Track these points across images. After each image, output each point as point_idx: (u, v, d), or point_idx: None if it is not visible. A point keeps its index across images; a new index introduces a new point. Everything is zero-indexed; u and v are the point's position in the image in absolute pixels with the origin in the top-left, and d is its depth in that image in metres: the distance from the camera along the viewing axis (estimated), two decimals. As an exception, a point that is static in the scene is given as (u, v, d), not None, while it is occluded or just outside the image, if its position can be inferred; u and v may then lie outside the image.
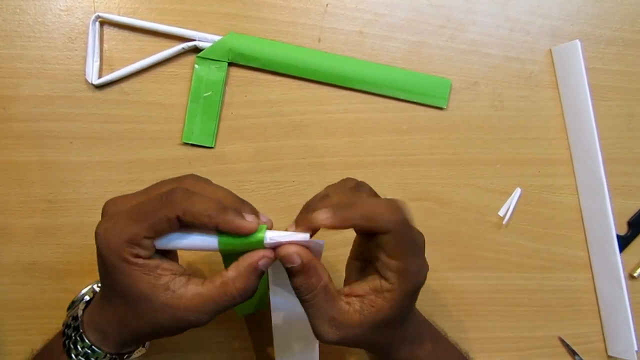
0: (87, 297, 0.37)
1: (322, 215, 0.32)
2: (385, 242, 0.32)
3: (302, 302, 0.33)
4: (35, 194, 0.46)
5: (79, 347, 0.34)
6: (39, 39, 0.46)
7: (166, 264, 0.32)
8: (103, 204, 0.46)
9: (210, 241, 0.32)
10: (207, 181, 0.34)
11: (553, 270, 0.51)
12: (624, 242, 0.51)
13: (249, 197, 0.47)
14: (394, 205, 0.33)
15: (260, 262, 0.32)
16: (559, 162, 0.51)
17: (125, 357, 0.36)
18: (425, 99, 0.49)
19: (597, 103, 0.49)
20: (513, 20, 0.50)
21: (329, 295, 0.33)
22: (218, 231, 0.32)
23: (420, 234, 0.34)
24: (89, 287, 0.41)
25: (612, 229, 0.48)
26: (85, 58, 0.45)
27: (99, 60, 0.46)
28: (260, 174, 0.48)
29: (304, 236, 0.32)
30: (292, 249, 0.32)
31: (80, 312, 0.35)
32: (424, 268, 0.34)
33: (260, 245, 0.32)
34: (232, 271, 0.32)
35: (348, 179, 0.37)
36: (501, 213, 0.50)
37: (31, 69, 0.45)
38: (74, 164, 0.46)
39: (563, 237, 0.51)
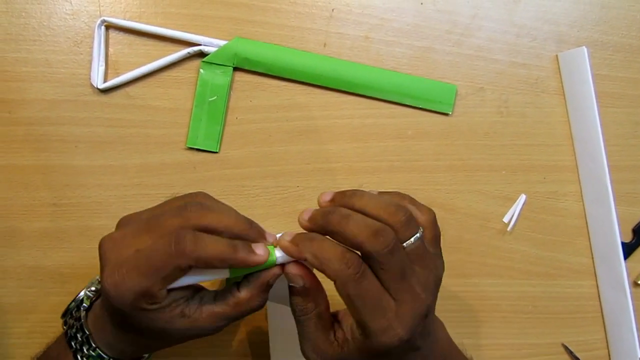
0: (85, 305, 0.37)
1: (286, 237, 0.32)
2: (339, 291, 0.30)
3: (295, 318, 0.34)
4: (40, 198, 0.46)
5: (85, 349, 0.34)
6: (45, 42, 0.45)
7: (177, 294, 0.32)
8: (108, 207, 0.47)
9: (221, 273, 0.32)
10: (208, 208, 0.32)
11: (557, 277, 0.51)
12: (628, 250, 0.51)
13: (253, 201, 0.48)
14: (348, 256, 0.30)
15: (271, 280, 0.33)
16: (564, 168, 0.51)
17: None
18: (430, 104, 0.49)
19: (603, 110, 0.49)
20: (519, 26, 0.50)
21: (319, 324, 0.33)
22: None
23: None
24: (82, 292, 0.40)
25: (617, 236, 0.48)
26: (90, 62, 0.45)
27: (104, 64, 0.46)
28: (265, 179, 0.48)
29: None
30: (297, 271, 0.32)
31: (82, 315, 0.36)
32: (391, 329, 0.30)
33: (271, 265, 0.32)
34: (245, 292, 0.33)
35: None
36: (506, 219, 0.50)
37: (36, 73, 0.45)
38: (78, 168, 0.46)
39: (568, 244, 0.51)
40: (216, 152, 0.47)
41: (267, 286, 0.33)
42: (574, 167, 0.51)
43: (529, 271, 0.50)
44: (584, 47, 0.48)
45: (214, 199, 0.34)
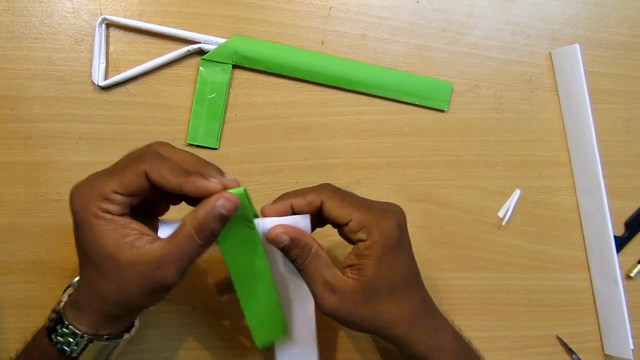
0: (71, 288, 0.37)
1: (270, 205, 0.36)
2: (329, 211, 0.35)
3: (300, 272, 0.36)
4: (42, 194, 0.46)
5: (58, 328, 0.34)
6: (46, 40, 0.46)
7: (135, 224, 0.33)
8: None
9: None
10: (172, 146, 0.35)
11: (551, 270, 0.52)
12: (621, 243, 0.52)
13: (252, 197, 0.48)
14: (319, 186, 0.37)
15: (219, 203, 0.32)
16: (558, 164, 0.52)
17: (105, 338, 0.35)
18: (427, 101, 0.50)
19: (595, 106, 0.50)
20: (514, 24, 0.51)
21: (321, 261, 0.35)
22: (182, 193, 0.32)
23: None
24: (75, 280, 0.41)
25: (610, 230, 0.49)
26: (91, 60, 0.46)
27: (105, 62, 0.46)
28: (264, 175, 0.49)
29: (288, 218, 0.36)
30: (277, 230, 0.35)
31: (64, 298, 0.36)
32: (388, 216, 0.35)
33: (253, 230, 0.36)
34: (189, 220, 0.32)
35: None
36: (500, 214, 0.51)
37: (38, 71, 0.46)
38: (80, 165, 0.47)
39: (561, 238, 0.52)
40: (216, 149, 0.48)
41: (216, 214, 0.32)
42: (567, 162, 0.52)
43: (523, 265, 0.51)
44: (576, 44, 0.49)
45: (169, 144, 0.35)
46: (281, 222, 0.36)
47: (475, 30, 0.50)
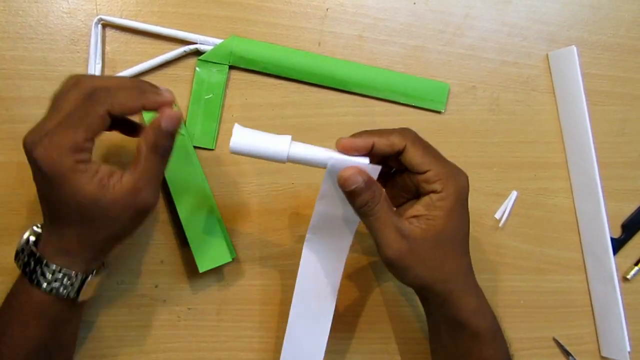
0: (31, 238, 0.38)
1: (349, 138, 0.36)
2: (411, 157, 0.36)
3: (366, 218, 0.36)
4: (37, 195, 0.46)
5: (48, 275, 0.35)
6: (42, 41, 0.46)
7: (103, 166, 0.34)
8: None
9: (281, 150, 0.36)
10: (92, 75, 0.37)
11: (548, 272, 0.52)
12: (617, 245, 0.52)
13: (248, 198, 0.48)
14: (402, 129, 0.37)
15: (164, 124, 0.34)
16: (555, 165, 0.52)
17: (94, 272, 0.38)
18: (423, 102, 0.50)
19: (592, 108, 0.50)
20: (510, 26, 0.51)
21: (391, 208, 0.36)
22: (143, 110, 0.35)
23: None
24: (27, 231, 0.41)
25: (606, 232, 0.49)
26: (87, 60, 0.46)
27: (101, 62, 0.46)
28: (260, 176, 0.48)
29: (363, 160, 0.35)
30: (352, 170, 0.34)
31: (30, 246, 0.37)
32: (462, 173, 0.37)
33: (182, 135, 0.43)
34: (144, 142, 0.35)
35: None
36: (497, 216, 0.51)
37: (34, 71, 0.46)
38: (75, 165, 0.46)
39: (558, 240, 0.52)
40: (212, 149, 0.48)
41: (164, 137, 0.35)
42: (564, 164, 0.52)
43: (520, 266, 0.51)
44: (573, 46, 0.49)
45: (95, 75, 0.37)
46: (353, 164, 0.35)
47: (472, 31, 0.50)
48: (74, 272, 0.36)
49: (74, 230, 0.35)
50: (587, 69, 0.51)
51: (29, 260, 0.36)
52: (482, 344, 0.38)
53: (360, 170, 0.35)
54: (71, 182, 0.33)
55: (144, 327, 0.47)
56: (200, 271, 0.46)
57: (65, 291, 0.36)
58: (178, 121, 0.35)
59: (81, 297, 0.37)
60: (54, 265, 0.35)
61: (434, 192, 0.36)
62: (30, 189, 0.46)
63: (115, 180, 0.34)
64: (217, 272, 0.48)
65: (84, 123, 0.33)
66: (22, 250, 0.38)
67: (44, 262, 0.35)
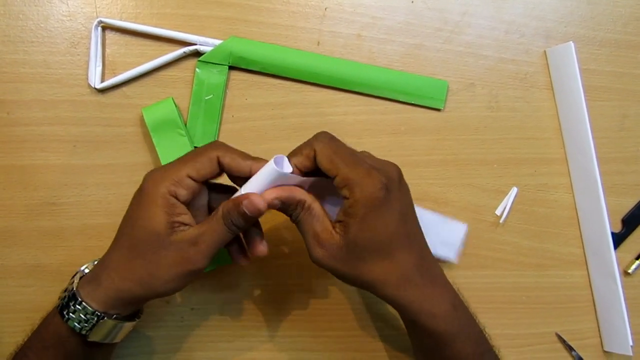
0: (86, 270, 0.39)
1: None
2: (319, 163, 0.35)
3: (296, 226, 0.37)
4: (39, 197, 0.46)
5: (70, 305, 0.35)
6: (42, 44, 0.46)
7: (188, 217, 0.36)
8: (107, 206, 0.47)
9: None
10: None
11: (549, 267, 0.52)
12: (618, 240, 0.52)
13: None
14: (315, 136, 0.37)
15: (244, 202, 0.35)
16: (554, 161, 0.52)
17: (113, 317, 0.36)
18: (422, 100, 0.50)
19: (591, 103, 0.50)
20: (508, 23, 0.51)
21: (313, 214, 0.36)
22: (249, 174, 0.36)
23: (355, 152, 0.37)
24: (88, 264, 0.41)
25: (607, 227, 0.49)
26: (87, 63, 0.46)
27: (101, 64, 0.46)
28: (261, 176, 0.49)
29: (277, 178, 0.35)
30: (269, 197, 0.35)
31: (76, 281, 0.37)
32: (373, 176, 0.34)
33: (183, 137, 0.45)
34: (222, 207, 0.36)
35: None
36: (498, 212, 0.51)
37: (34, 74, 0.46)
38: (77, 167, 0.47)
39: (559, 235, 0.52)
40: (213, 150, 0.48)
41: (238, 213, 0.35)
42: (564, 159, 0.52)
43: (521, 262, 0.51)
44: (571, 42, 0.49)
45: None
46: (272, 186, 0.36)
47: (469, 29, 0.51)
48: (92, 306, 0.35)
49: (117, 256, 0.36)
50: (585, 65, 0.52)
51: (67, 287, 0.37)
52: (442, 344, 0.37)
53: (278, 191, 0.35)
54: (153, 206, 0.35)
55: (147, 329, 0.47)
56: (204, 271, 0.46)
57: (78, 325, 0.35)
58: (257, 212, 0.35)
59: (91, 337, 0.36)
60: (79, 297, 0.35)
61: (345, 197, 0.35)
62: (32, 193, 0.46)
63: (183, 227, 0.35)
64: (219, 272, 0.48)
65: (192, 161, 0.36)
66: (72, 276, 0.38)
67: (74, 290, 0.36)
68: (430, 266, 0.38)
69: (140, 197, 0.36)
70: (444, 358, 0.38)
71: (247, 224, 0.36)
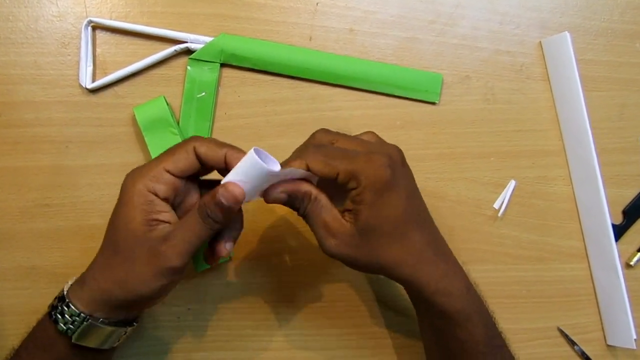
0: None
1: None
2: (316, 172, 0.35)
3: (304, 219, 0.37)
4: (33, 199, 0.46)
5: (59, 306, 0.35)
6: (32, 45, 0.46)
7: (169, 215, 0.35)
8: (100, 206, 0.47)
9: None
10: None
11: (550, 261, 0.51)
12: (619, 231, 0.51)
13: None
14: (299, 149, 0.38)
15: (219, 192, 0.34)
16: (552, 153, 0.51)
17: (100, 321, 0.35)
18: (417, 94, 0.50)
19: (588, 94, 0.50)
20: (502, 14, 0.51)
21: (321, 205, 0.36)
22: (225, 163, 0.35)
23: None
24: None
25: (607, 219, 0.49)
26: (78, 63, 0.46)
27: (92, 64, 0.46)
28: (256, 173, 0.48)
29: (283, 172, 0.35)
30: (274, 192, 0.35)
31: (69, 282, 0.37)
32: (373, 160, 0.35)
33: (176, 135, 0.45)
34: (197, 204, 0.35)
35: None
36: (496, 205, 0.50)
37: (25, 75, 0.46)
38: (70, 168, 0.46)
39: (558, 228, 0.51)
40: (206, 148, 0.47)
41: (214, 205, 0.34)
42: (562, 151, 0.51)
43: (521, 256, 0.51)
44: (566, 32, 0.49)
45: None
46: (280, 179, 0.36)
47: (463, 21, 0.50)
48: (78, 307, 0.35)
49: (101, 257, 0.36)
50: (582, 55, 0.51)
51: (61, 292, 0.37)
52: (454, 325, 0.37)
53: (283, 185, 0.35)
54: (130, 205, 0.34)
55: (143, 329, 0.47)
56: (197, 271, 0.46)
57: (64, 326, 0.35)
58: (234, 199, 0.34)
59: (78, 340, 0.35)
60: (66, 298, 0.35)
61: (352, 189, 0.35)
62: (25, 195, 0.46)
63: (163, 225, 0.35)
64: (215, 271, 0.48)
65: (169, 155, 0.35)
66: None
67: (64, 291, 0.36)
68: (441, 244, 0.39)
69: (120, 196, 0.35)
70: (455, 339, 0.37)
71: (226, 218, 0.35)
